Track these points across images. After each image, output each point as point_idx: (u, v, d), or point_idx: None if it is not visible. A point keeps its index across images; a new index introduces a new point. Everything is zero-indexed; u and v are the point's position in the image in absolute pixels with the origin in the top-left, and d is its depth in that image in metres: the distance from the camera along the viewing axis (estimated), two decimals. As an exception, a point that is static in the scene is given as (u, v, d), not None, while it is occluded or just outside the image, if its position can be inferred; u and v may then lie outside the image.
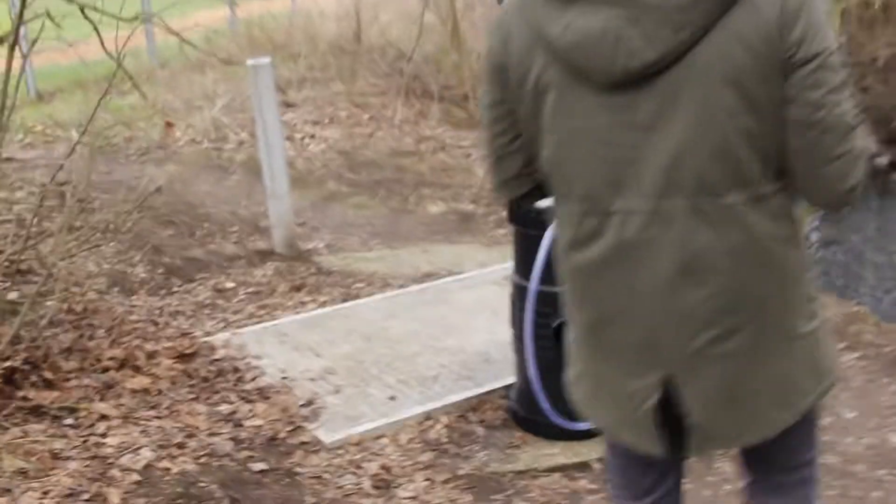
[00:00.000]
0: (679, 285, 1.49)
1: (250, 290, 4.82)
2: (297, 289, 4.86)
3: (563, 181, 1.57)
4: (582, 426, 3.13)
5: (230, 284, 4.89)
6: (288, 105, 8.54)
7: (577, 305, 1.66)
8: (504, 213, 6.03)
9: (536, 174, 1.65)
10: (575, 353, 1.74)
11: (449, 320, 4.32)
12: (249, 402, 3.53)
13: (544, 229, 2.95)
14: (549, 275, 2.96)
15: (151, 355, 3.76)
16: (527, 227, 3.18)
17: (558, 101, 1.50)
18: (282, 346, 4.07)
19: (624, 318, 1.56)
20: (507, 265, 5.01)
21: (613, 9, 1.39)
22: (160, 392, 3.49)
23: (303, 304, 4.63)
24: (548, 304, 3.08)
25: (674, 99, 1.42)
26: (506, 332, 4.05)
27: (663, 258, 1.49)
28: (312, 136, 7.67)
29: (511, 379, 3.59)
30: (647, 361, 1.57)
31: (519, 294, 3.29)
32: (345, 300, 4.68)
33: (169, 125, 7.35)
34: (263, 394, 3.58)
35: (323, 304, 4.61)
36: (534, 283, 2.97)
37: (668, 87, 1.42)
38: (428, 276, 5.02)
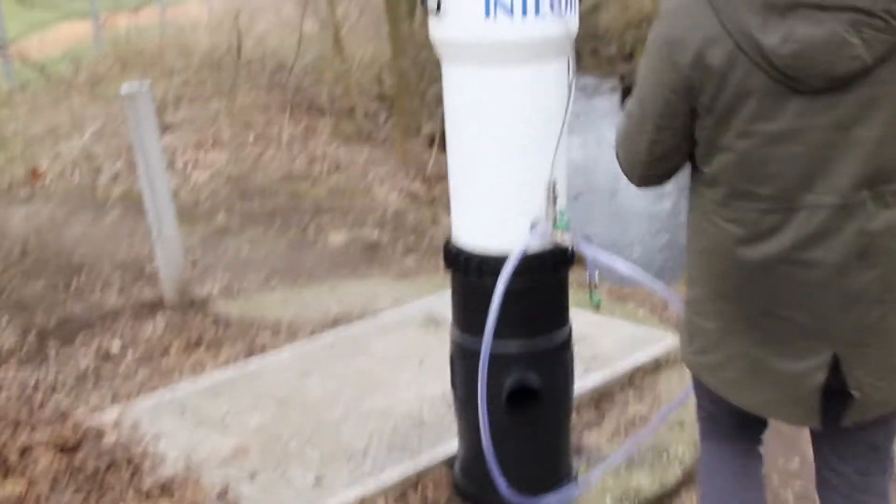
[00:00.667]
0: (852, 269, 1.64)
1: (139, 351, 4.24)
2: (194, 345, 4.30)
3: (747, 181, 1.66)
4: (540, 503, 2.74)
5: (116, 346, 4.30)
6: (166, 127, 7.89)
7: (731, 299, 1.77)
8: (438, 254, 5.66)
9: (679, 170, 1.83)
10: (716, 340, 1.84)
11: (371, 375, 3.86)
12: (149, 500, 2.99)
13: (491, 277, 2.55)
14: (502, 331, 2.56)
15: (25, 450, 3.18)
16: (468, 275, 2.76)
17: (759, 107, 1.59)
18: (182, 422, 3.53)
19: (792, 307, 1.69)
20: (424, 301, 4.64)
21: (836, 16, 1.49)
22: (38, 499, 2.92)
23: (201, 364, 4.08)
24: (500, 366, 2.67)
25: (872, 99, 1.55)
26: (435, 387, 3.63)
27: (841, 246, 1.62)
28: (196, 162, 7.07)
29: (452, 445, 3.17)
30: (814, 344, 1.71)
31: (461, 354, 2.86)
32: (249, 355, 4.15)
33: (35, 175, 6.55)
34: (166, 489, 3.05)
35: (225, 363, 4.08)
36: (486, 345, 2.54)
37: (868, 88, 1.54)
38: (339, 320, 4.54)
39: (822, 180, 1.60)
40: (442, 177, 8.60)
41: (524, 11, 2.45)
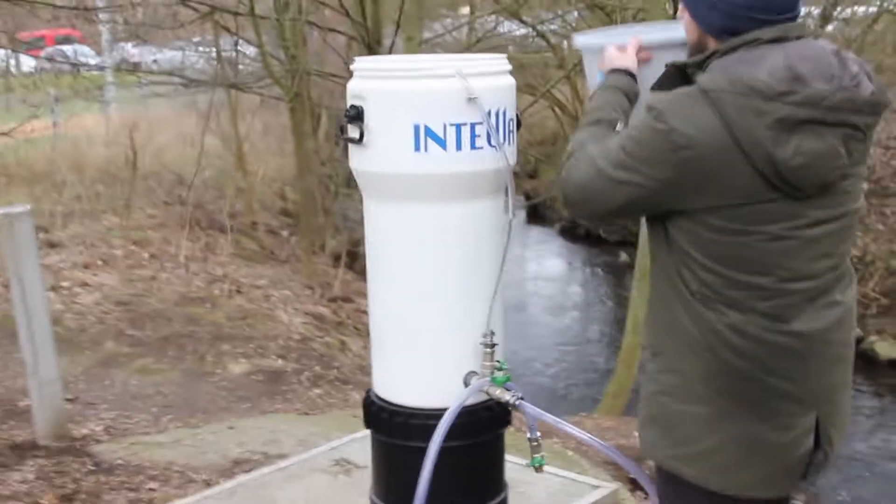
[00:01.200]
0: (833, 334, 1.82)
1: (4, 507, 3.71)
2: (69, 498, 3.79)
3: (745, 273, 1.76)
4: None
5: (-25, 501, 3.75)
6: (51, 245, 7.40)
7: (727, 378, 1.81)
8: (346, 384, 5.31)
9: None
10: (708, 425, 1.84)
11: (275, 534, 3.42)
12: None
13: (420, 438, 2.22)
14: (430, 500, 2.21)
15: None
16: (392, 435, 2.43)
17: (758, 210, 1.72)
18: None
19: (783, 377, 1.80)
20: (333, 445, 4.25)
21: (834, 131, 1.69)
22: None
23: (78, 523, 3.57)
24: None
25: (841, 197, 1.77)
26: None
27: (825, 318, 1.80)
28: (84, 285, 6.57)
29: None
30: (801, 409, 1.82)
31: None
32: (135, 511, 3.67)
33: None
34: None
35: (106, 521, 3.59)
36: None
37: (841, 187, 1.76)
38: (240, 464, 4.11)
39: (806, 267, 1.77)
40: (348, 298, 8.29)
41: (458, 145, 2.22)
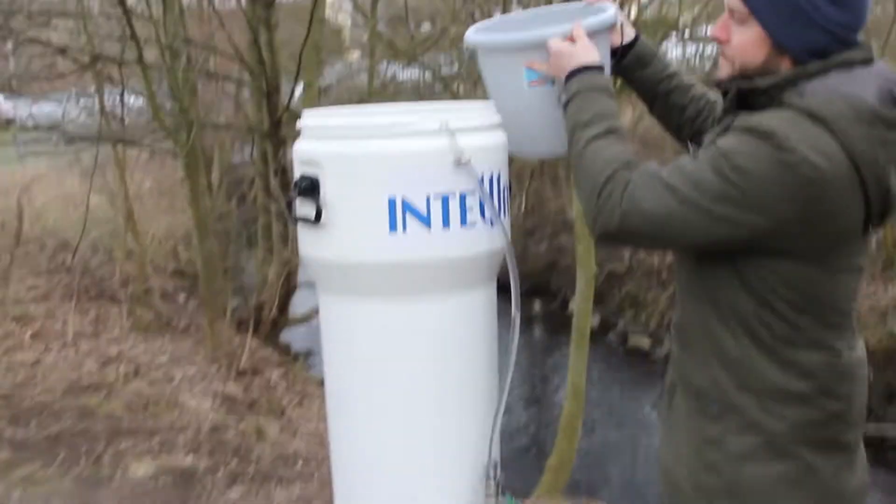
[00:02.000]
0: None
1: None
2: None
3: (832, 307, 1.61)
4: None
5: None
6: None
7: (830, 424, 1.64)
8: (268, 481, 4.64)
9: None
10: (794, 487, 1.63)
11: None
12: None
13: None
14: None
15: None
16: None
17: (857, 244, 1.60)
18: None
19: (861, 412, 1.69)
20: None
21: None
22: None
23: None
24: None
25: None
26: None
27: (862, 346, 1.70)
28: (-47, 376, 5.72)
29: None
30: (858, 439, 1.71)
31: None
32: None
33: None
34: None
35: None
36: None
37: None
38: None
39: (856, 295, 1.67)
40: (258, 370, 7.59)
41: (445, 221, 1.69)
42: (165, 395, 5.73)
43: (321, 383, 2.00)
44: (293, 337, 10.60)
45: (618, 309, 11.65)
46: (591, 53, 1.77)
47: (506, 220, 1.79)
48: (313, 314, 9.83)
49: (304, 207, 1.73)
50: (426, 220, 1.67)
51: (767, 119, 1.50)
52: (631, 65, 1.99)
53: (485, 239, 1.75)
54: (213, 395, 6.00)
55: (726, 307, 1.61)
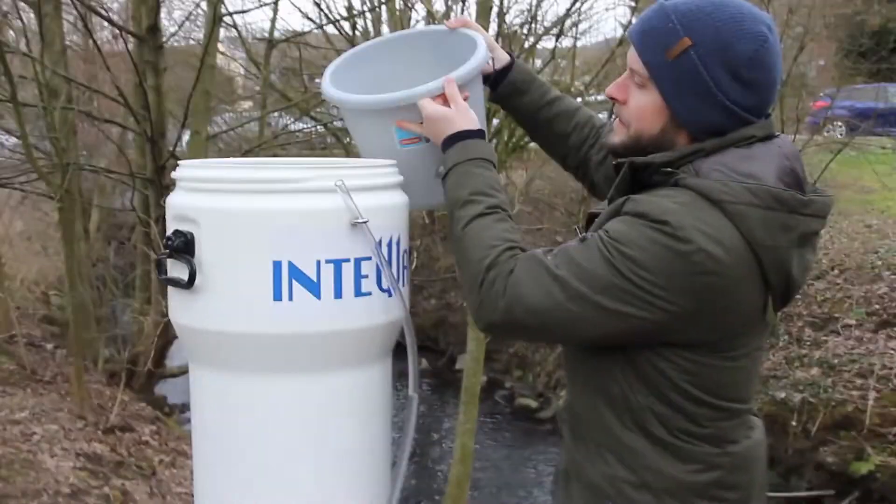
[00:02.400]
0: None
1: None
2: None
3: (730, 396, 1.51)
4: None
5: None
6: None
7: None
8: None
9: None
10: None
11: None
12: None
13: None
14: None
15: None
16: None
17: (757, 327, 1.50)
18: None
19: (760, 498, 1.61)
20: None
21: (813, 243, 1.49)
22: None
23: None
24: None
25: None
26: None
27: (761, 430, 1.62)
28: None
29: None
30: None
31: None
32: None
33: None
34: None
35: None
36: None
37: None
38: None
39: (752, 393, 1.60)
40: (128, 426, 7.14)
41: (338, 290, 1.51)
42: (21, 454, 5.28)
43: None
44: (169, 389, 10.13)
45: (505, 368, 11.58)
46: (468, 117, 1.63)
47: (405, 290, 1.62)
48: (191, 368, 9.40)
49: (175, 268, 1.52)
50: (315, 289, 1.49)
51: (660, 203, 1.38)
52: (507, 93, 1.87)
53: (381, 310, 1.57)
54: (75, 454, 5.57)
55: (620, 400, 1.49)
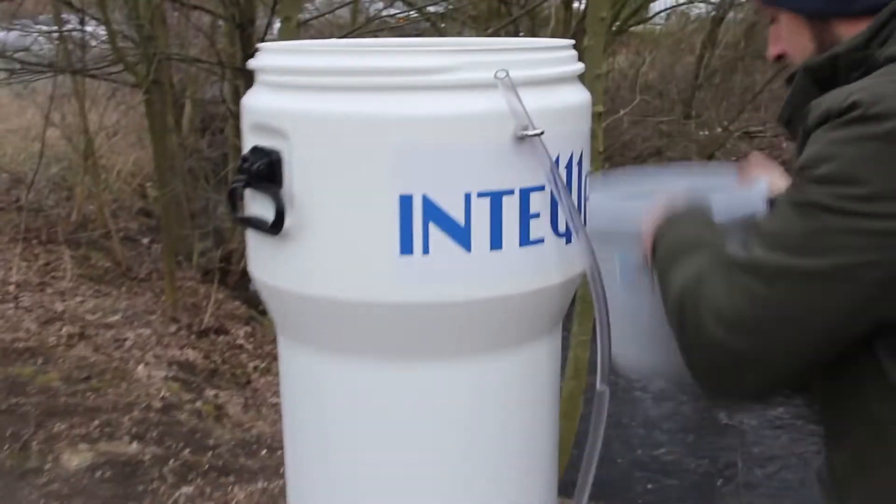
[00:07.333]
0: None
1: None
2: None
3: None
4: None
5: None
6: None
7: None
8: (226, 476, 3.93)
9: None
10: None
11: None
12: None
13: None
14: None
15: None
16: None
17: None
18: None
19: None
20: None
21: None
22: None
23: None
24: None
25: None
26: None
27: None
28: None
29: None
30: None
31: None
32: None
33: None
34: None
35: None
36: None
37: None
38: None
39: None
40: (222, 328, 6.91)
41: (496, 238, 1.00)
42: (112, 363, 5.03)
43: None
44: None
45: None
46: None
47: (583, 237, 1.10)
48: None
49: (255, 203, 1.03)
50: (464, 236, 0.98)
51: (843, 90, 0.99)
52: None
53: (558, 264, 1.06)
54: (167, 362, 5.32)
55: (861, 397, 1.03)
